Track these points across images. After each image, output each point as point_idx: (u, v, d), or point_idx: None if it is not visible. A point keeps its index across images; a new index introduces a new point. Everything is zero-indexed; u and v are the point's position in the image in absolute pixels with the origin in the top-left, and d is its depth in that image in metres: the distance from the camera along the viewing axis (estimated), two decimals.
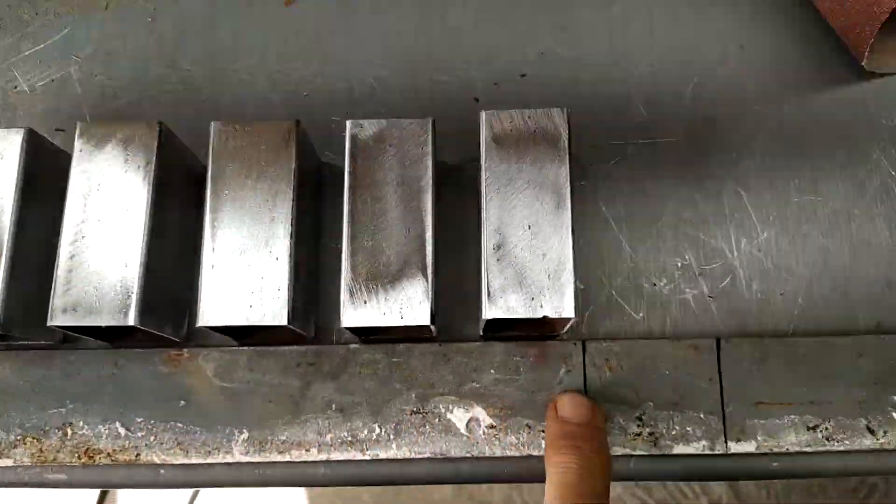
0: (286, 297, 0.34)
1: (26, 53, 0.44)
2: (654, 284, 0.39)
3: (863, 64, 0.39)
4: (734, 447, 0.37)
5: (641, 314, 0.39)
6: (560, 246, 0.34)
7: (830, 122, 0.41)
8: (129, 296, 0.34)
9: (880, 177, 0.40)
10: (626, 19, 0.43)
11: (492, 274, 0.34)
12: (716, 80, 0.42)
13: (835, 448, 0.37)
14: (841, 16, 0.39)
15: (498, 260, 0.34)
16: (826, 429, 0.37)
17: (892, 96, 0.41)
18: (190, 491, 1.15)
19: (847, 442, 0.37)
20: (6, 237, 0.35)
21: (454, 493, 1.15)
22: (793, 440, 0.37)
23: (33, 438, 0.37)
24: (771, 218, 0.39)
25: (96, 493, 1.18)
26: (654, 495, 1.08)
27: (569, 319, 0.34)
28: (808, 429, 0.37)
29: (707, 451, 0.37)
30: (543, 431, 0.37)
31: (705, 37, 0.42)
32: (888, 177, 0.40)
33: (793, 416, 0.37)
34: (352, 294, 0.34)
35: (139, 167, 0.35)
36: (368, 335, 0.38)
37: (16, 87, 0.43)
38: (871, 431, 0.37)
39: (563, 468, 0.31)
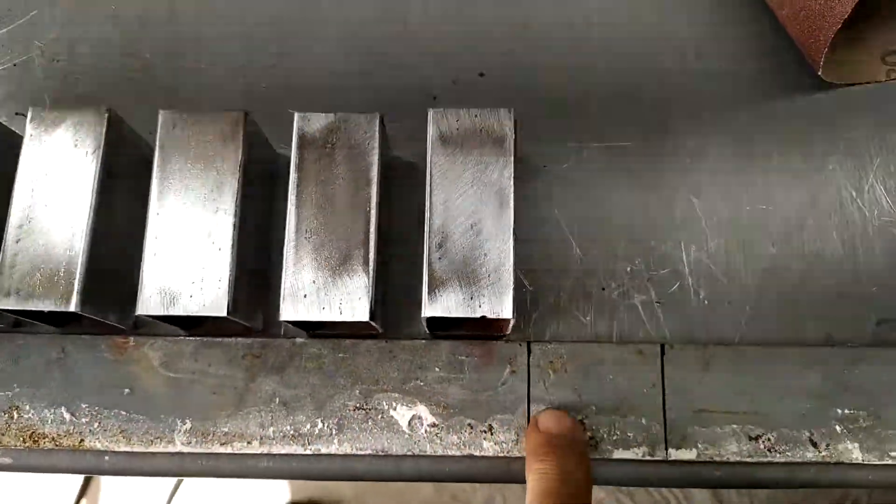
0: (227, 289, 0.34)
1: None
2: (603, 288, 0.39)
3: (819, 74, 0.39)
4: (675, 454, 0.37)
5: (589, 317, 0.39)
6: (501, 246, 0.34)
7: (786, 132, 0.41)
8: (72, 282, 0.34)
9: (835, 188, 0.40)
10: (586, 22, 0.43)
11: (433, 272, 0.34)
12: (672, 86, 0.42)
13: (776, 459, 0.37)
14: (797, 25, 0.38)
15: (439, 258, 0.34)
16: (768, 439, 0.37)
17: (848, 107, 0.41)
18: (174, 479, 1.16)
19: (789, 454, 0.37)
20: None
21: (436, 492, 1.16)
22: (734, 449, 0.37)
23: None
24: (722, 225, 0.39)
25: (80, 478, 1.19)
26: (637, 499, 1.08)
27: (508, 321, 0.34)
28: (750, 439, 0.37)
29: (647, 458, 0.37)
30: (485, 432, 0.37)
31: (664, 42, 0.42)
32: (842, 188, 0.40)
33: (735, 426, 0.37)
34: (292, 287, 0.34)
35: (87, 153, 0.36)
36: (312, 329, 0.38)
37: None
38: (814, 444, 0.37)
39: (542, 474, 0.31)
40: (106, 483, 1.21)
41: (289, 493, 1.18)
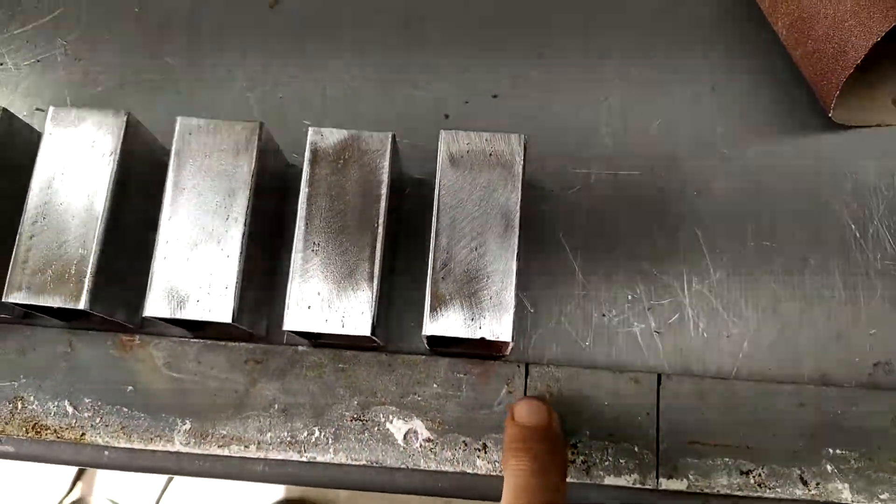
0: (233, 295, 0.35)
1: (15, 32, 0.45)
2: (604, 315, 0.39)
3: (830, 115, 0.39)
4: (665, 484, 0.37)
5: (588, 343, 0.39)
6: (504, 269, 0.34)
7: (794, 171, 0.41)
8: (83, 280, 0.35)
9: (839, 229, 0.40)
10: (601, 52, 0.43)
11: (435, 290, 0.34)
12: (684, 119, 0.42)
13: (766, 495, 0.37)
14: (811, 66, 0.39)
15: (443, 277, 0.34)
16: (759, 475, 0.37)
17: (857, 150, 0.41)
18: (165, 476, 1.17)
19: (779, 490, 0.37)
20: None
21: (431, 501, 1.16)
22: (724, 483, 0.37)
23: None
24: (725, 259, 0.40)
25: (73, 470, 1.20)
26: None
27: (507, 343, 0.34)
28: (742, 473, 0.37)
29: (638, 485, 0.37)
30: (479, 450, 0.38)
31: (677, 75, 0.43)
32: (847, 229, 0.40)
33: (727, 459, 0.37)
34: (297, 298, 0.35)
35: (104, 154, 0.36)
36: (316, 339, 0.38)
37: (1, 64, 0.45)
38: (804, 482, 0.37)
39: (518, 470, 0.32)
40: (102, 470, 1.23)
41: (282, 491, 1.19)
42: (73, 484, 1.20)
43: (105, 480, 1.21)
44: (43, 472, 1.20)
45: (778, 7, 0.40)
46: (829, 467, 0.37)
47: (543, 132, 0.42)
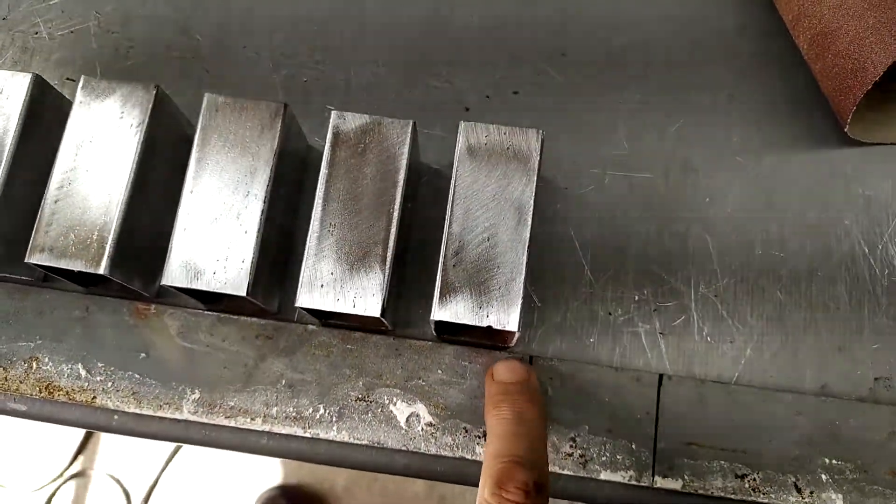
0: (248, 270, 0.35)
1: (52, 2, 0.46)
2: (609, 313, 0.40)
3: (846, 131, 0.40)
4: (660, 482, 0.38)
5: (592, 339, 0.40)
6: (515, 261, 0.35)
7: (806, 183, 0.41)
8: (104, 246, 0.36)
9: (849, 243, 0.40)
10: (622, 53, 0.44)
11: (446, 278, 0.35)
12: (700, 125, 0.42)
13: (760, 499, 0.37)
14: (829, 81, 0.39)
15: (454, 265, 0.35)
16: (754, 479, 0.38)
17: (870, 166, 0.41)
18: (171, 447, 1.19)
19: (773, 495, 0.37)
20: (0, 173, 0.37)
21: (426, 489, 1.17)
22: (719, 485, 0.38)
23: (1, 367, 0.40)
24: (733, 266, 0.40)
25: (79, 435, 1.22)
26: None
27: (513, 333, 0.35)
28: (737, 476, 0.38)
29: (633, 482, 0.38)
30: (479, 437, 0.38)
31: (697, 80, 0.43)
32: (856, 244, 0.40)
33: (722, 462, 0.38)
34: (311, 276, 0.35)
35: (132, 125, 0.37)
36: (326, 318, 0.39)
37: (36, 33, 0.46)
38: (798, 490, 0.38)
39: (501, 419, 0.34)
40: (104, 442, 1.24)
41: (280, 477, 1.20)
42: (74, 457, 1.22)
43: (106, 455, 1.23)
44: (44, 445, 1.22)
45: (801, 21, 0.40)
46: (823, 476, 0.37)
47: (561, 130, 0.42)
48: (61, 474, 1.21)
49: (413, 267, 0.40)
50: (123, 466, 1.22)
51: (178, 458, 1.21)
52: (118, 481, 1.22)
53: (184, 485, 1.20)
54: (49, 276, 0.41)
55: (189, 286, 0.35)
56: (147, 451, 1.21)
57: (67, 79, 0.45)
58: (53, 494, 1.22)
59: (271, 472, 1.20)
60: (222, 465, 1.21)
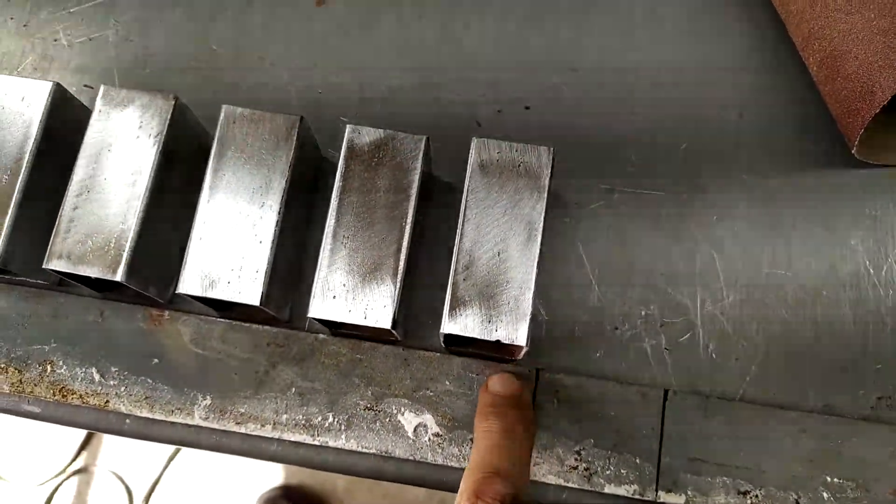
0: (262, 280, 0.36)
1: (71, 10, 0.47)
2: (616, 328, 0.40)
3: (853, 152, 0.40)
4: (664, 497, 0.38)
5: (598, 354, 0.40)
6: (524, 276, 0.35)
7: (814, 202, 0.42)
8: (121, 253, 0.36)
9: (854, 263, 0.41)
10: (634, 71, 0.44)
11: (456, 291, 0.35)
12: (709, 143, 0.43)
13: None
14: (838, 102, 0.40)
15: (464, 279, 0.36)
16: (756, 496, 0.38)
17: (877, 187, 0.42)
18: (171, 448, 1.19)
19: None
20: (20, 179, 0.38)
21: (426, 496, 1.17)
22: (722, 501, 0.38)
23: (15, 369, 0.40)
24: (739, 284, 0.41)
25: (82, 434, 1.23)
26: None
27: (521, 347, 0.35)
28: (739, 493, 0.38)
29: (637, 496, 0.38)
30: None
31: (707, 98, 0.44)
32: (861, 265, 0.41)
33: (725, 478, 0.38)
34: (323, 287, 0.36)
35: (150, 135, 0.38)
36: (337, 328, 0.40)
37: (56, 40, 0.46)
38: None
39: (486, 431, 0.34)
40: (108, 440, 1.25)
41: (282, 477, 1.20)
42: (78, 454, 1.23)
43: (109, 452, 1.23)
44: (48, 441, 1.23)
45: (811, 43, 0.41)
46: (825, 494, 0.38)
47: (571, 145, 0.43)
48: (64, 470, 1.22)
49: (422, 279, 0.41)
50: (126, 464, 1.23)
51: (181, 457, 1.21)
52: (121, 478, 1.23)
53: (186, 483, 1.21)
54: (64, 281, 0.41)
55: (204, 295, 0.36)
56: (150, 449, 1.22)
57: (85, 86, 0.45)
58: (56, 490, 1.22)
59: (273, 472, 1.20)
60: (224, 465, 1.21)
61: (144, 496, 1.21)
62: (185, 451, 1.21)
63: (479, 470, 0.32)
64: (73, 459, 1.23)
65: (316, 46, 0.46)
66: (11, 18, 0.47)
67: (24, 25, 0.47)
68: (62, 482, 1.22)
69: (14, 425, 1.24)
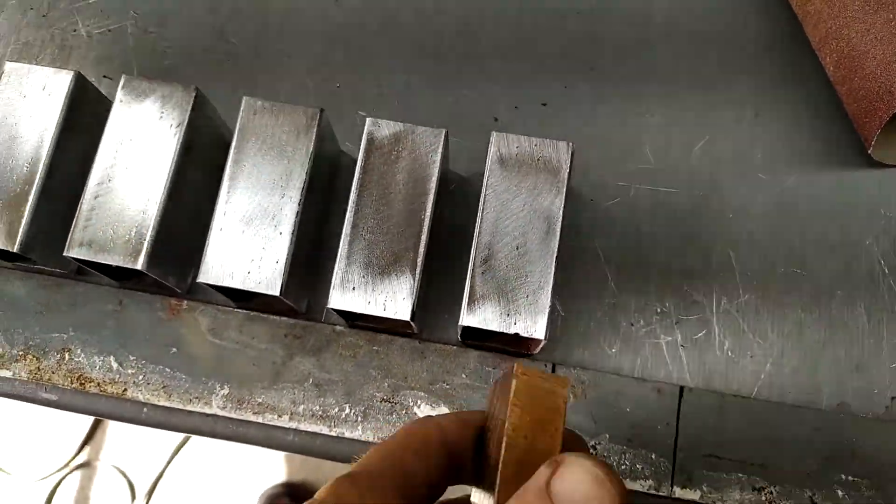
0: (282, 270, 0.36)
1: (90, 1, 0.47)
2: (632, 324, 0.41)
3: (870, 152, 0.40)
4: (679, 492, 0.38)
5: (614, 350, 0.40)
6: (543, 270, 0.36)
7: (829, 203, 0.42)
8: (142, 242, 0.36)
9: (869, 263, 0.41)
10: (650, 70, 0.45)
11: (475, 284, 0.36)
12: (726, 142, 0.43)
13: None
14: (855, 103, 0.40)
15: (483, 273, 0.36)
16: (771, 493, 0.38)
17: (892, 188, 0.42)
18: (180, 437, 1.20)
19: None
20: (41, 167, 0.38)
21: None
22: (737, 497, 0.38)
23: (34, 357, 0.40)
24: (755, 283, 0.41)
25: (86, 426, 1.23)
26: None
27: (539, 341, 0.36)
28: (754, 489, 0.38)
29: (652, 491, 0.38)
30: None
31: (723, 98, 0.44)
32: (876, 264, 0.41)
33: (740, 475, 0.38)
34: (342, 279, 0.36)
35: (171, 125, 0.38)
36: (354, 320, 0.40)
37: (75, 31, 0.47)
38: None
39: None
40: (111, 434, 1.25)
41: (284, 473, 1.20)
42: (80, 448, 1.23)
43: (111, 447, 1.24)
44: (51, 435, 1.23)
45: (828, 43, 0.41)
46: (840, 492, 0.38)
47: (588, 143, 0.43)
48: (67, 464, 1.22)
49: (439, 272, 0.41)
50: (129, 459, 1.23)
51: (183, 452, 1.21)
52: (123, 473, 1.23)
53: (188, 479, 1.21)
54: (82, 270, 0.42)
55: (224, 284, 0.36)
56: (152, 444, 1.22)
57: (104, 76, 0.46)
58: (58, 485, 1.23)
59: (275, 468, 1.20)
60: (227, 461, 1.21)
61: (147, 491, 1.21)
62: (188, 447, 1.21)
63: None
64: (76, 454, 1.23)
65: (334, 41, 0.46)
66: (31, 9, 0.47)
67: (44, 16, 0.47)
68: (65, 476, 1.23)
69: (17, 419, 1.24)
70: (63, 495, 1.23)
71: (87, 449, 1.24)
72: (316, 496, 0.22)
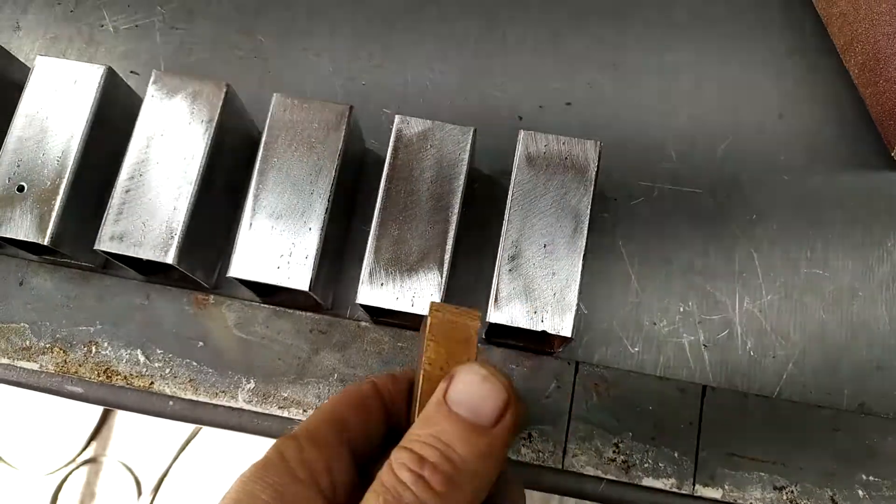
0: (312, 266, 0.36)
1: None
2: (655, 324, 0.41)
3: (892, 155, 0.41)
4: (701, 490, 0.39)
5: (637, 349, 0.41)
6: (570, 269, 0.36)
7: (851, 203, 0.42)
8: (173, 236, 0.37)
9: (890, 264, 0.41)
10: (675, 68, 0.45)
11: (502, 282, 0.36)
12: (749, 143, 0.43)
13: None
14: (879, 106, 0.40)
15: (510, 270, 0.36)
16: (792, 491, 0.39)
17: None
18: (186, 433, 1.20)
19: None
20: (71, 161, 0.38)
21: None
22: (758, 496, 0.38)
23: (61, 349, 0.41)
24: (777, 283, 0.41)
25: (94, 422, 1.23)
26: None
27: (566, 339, 0.36)
28: (775, 488, 0.39)
29: (674, 489, 0.39)
30: (524, 438, 0.39)
31: (747, 99, 0.44)
32: None
33: (762, 473, 0.39)
34: (371, 274, 0.36)
35: (202, 121, 0.38)
36: (379, 316, 0.40)
37: (102, 26, 0.47)
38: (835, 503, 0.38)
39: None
40: (118, 430, 1.25)
41: None
42: (87, 443, 1.23)
43: (118, 443, 1.24)
44: (58, 430, 1.23)
45: (853, 46, 0.41)
46: (860, 492, 0.38)
47: (612, 143, 0.43)
48: (74, 459, 1.23)
49: (463, 269, 0.41)
50: (135, 454, 1.23)
51: (190, 449, 1.22)
52: (130, 469, 1.23)
53: (194, 475, 1.21)
54: (109, 264, 0.42)
55: (254, 279, 0.36)
56: (159, 440, 1.22)
57: (131, 72, 0.46)
58: (65, 480, 1.23)
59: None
60: (233, 457, 1.22)
61: (153, 487, 1.21)
62: (195, 444, 1.21)
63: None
64: (83, 449, 1.23)
65: (360, 38, 0.46)
66: (59, 3, 0.48)
67: (71, 11, 0.47)
68: (72, 472, 1.23)
69: (25, 415, 1.25)
70: (70, 490, 1.23)
71: (93, 444, 1.25)
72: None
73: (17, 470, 1.23)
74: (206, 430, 1.21)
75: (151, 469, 1.22)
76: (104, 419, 1.25)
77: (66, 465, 1.23)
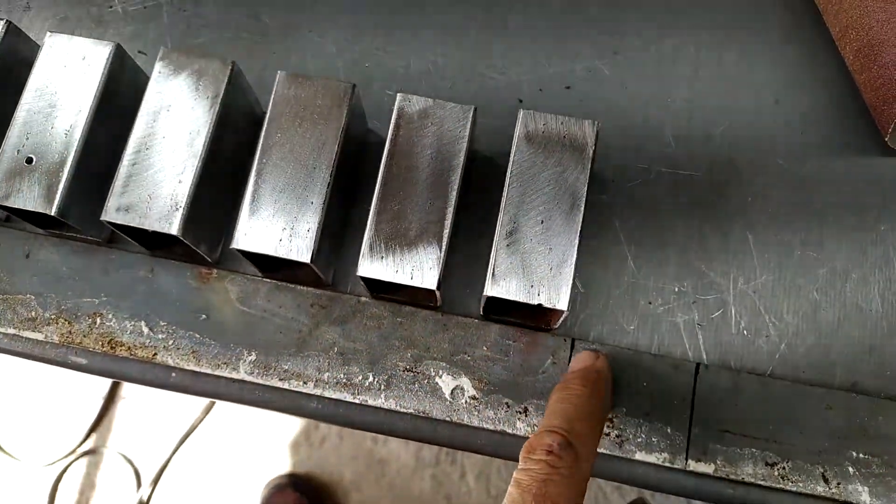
0: (313, 238, 0.37)
1: None
2: (650, 303, 0.42)
3: (886, 140, 0.41)
4: (693, 465, 0.39)
5: (632, 327, 0.41)
6: (566, 244, 0.37)
7: (846, 188, 0.43)
8: (178, 208, 0.38)
9: (883, 248, 0.42)
10: (673, 54, 0.46)
11: (499, 257, 0.37)
12: (746, 127, 0.44)
13: (788, 487, 0.39)
14: (873, 91, 0.41)
15: (508, 245, 0.37)
16: (783, 468, 0.39)
17: None
18: (187, 425, 1.20)
19: (801, 484, 0.39)
20: (79, 134, 0.39)
21: (432, 490, 1.18)
22: (750, 471, 0.39)
23: (65, 321, 0.41)
24: (772, 264, 0.42)
25: (97, 408, 1.24)
26: None
27: (561, 312, 0.37)
28: (767, 464, 0.39)
29: (667, 464, 0.39)
30: (520, 412, 0.40)
31: (744, 84, 0.45)
32: (890, 249, 0.42)
33: (754, 450, 0.39)
34: (371, 248, 0.37)
35: (208, 97, 0.39)
36: (379, 291, 0.41)
37: (111, 7, 0.48)
38: (826, 480, 0.39)
39: (550, 402, 0.36)
40: (118, 421, 1.26)
41: (289, 465, 1.21)
42: (88, 435, 1.24)
43: (118, 435, 1.24)
44: (58, 421, 1.24)
45: (848, 33, 0.42)
46: (851, 469, 0.39)
47: (611, 126, 0.44)
48: (73, 451, 1.23)
49: (460, 247, 0.42)
50: (135, 446, 1.24)
51: (190, 441, 1.22)
52: (129, 461, 1.24)
53: (194, 467, 1.22)
54: (115, 237, 0.43)
55: (257, 251, 0.37)
56: (159, 432, 1.23)
57: (139, 52, 0.47)
58: (65, 471, 1.23)
59: (281, 459, 1.21)
60: (233, 450, 1.22)
61: (153, 479, 1.22)
62: (195, 436, 1.22)
63: (534, 433, 0.33)
64: (83, 441, 1.24)
65: (363, 22, 0.47)
66: None
67: None
68: (71, 463, 1.23)
69: (25, 405, 1.25)
70: (69, 481, 1.24)
71: (93, 436, 1.25)
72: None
73: (17, 460, 1.23)
74: (206, 422, 1.22)
75: (151, 461, 1.22)
76: (104, 410, 1.25)
77: (66, 456, 1.23)
